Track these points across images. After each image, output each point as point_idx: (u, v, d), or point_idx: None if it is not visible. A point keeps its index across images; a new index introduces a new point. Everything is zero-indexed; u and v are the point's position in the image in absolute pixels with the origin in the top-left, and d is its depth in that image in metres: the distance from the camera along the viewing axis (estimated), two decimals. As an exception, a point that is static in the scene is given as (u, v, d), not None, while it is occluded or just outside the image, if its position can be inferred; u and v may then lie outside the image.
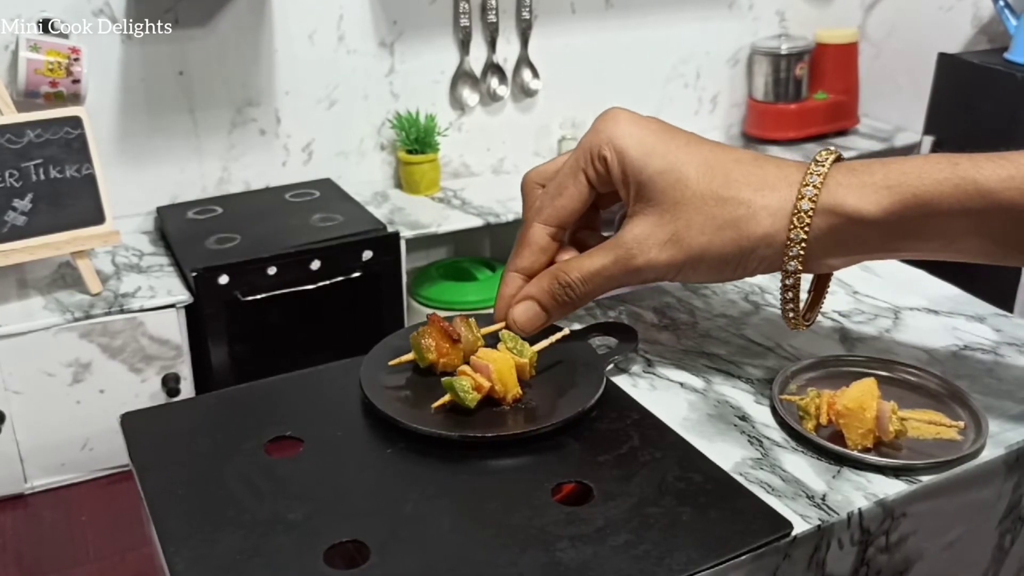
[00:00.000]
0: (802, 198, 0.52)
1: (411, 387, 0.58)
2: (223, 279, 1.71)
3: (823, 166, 0.53)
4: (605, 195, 0.60)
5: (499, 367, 0.55)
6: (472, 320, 0.60)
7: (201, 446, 0.54)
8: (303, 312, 1.88)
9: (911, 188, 0.51)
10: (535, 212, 0.60)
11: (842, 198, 0.52)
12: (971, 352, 0.63)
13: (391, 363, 0.58)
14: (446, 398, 0.54)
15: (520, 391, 0.56)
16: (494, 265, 2.21)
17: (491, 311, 0.62)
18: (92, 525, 1.64)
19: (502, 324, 0.61)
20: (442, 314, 0.60)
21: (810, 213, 0.52)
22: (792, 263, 0.53)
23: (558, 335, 0.60)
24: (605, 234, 0.62)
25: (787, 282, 0.55)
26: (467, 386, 0.54)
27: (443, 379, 0.55)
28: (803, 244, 0.53)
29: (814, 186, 0.52)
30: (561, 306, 0.59)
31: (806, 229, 0.52)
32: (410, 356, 0.59)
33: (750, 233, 0.53)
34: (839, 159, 0.54)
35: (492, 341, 0.59)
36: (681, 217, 0.54)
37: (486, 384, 0.54)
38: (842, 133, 2.43)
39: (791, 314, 0.57)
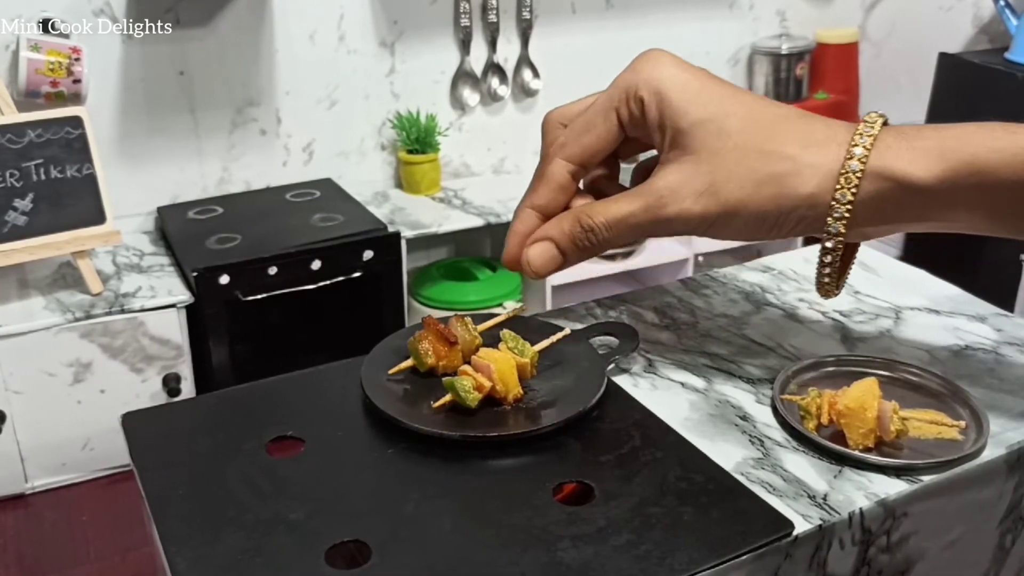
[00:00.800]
0: (851, 158, 0.50)
1: (412, 387, 0.57)
2: (224, 279, 1.71)
3: (873, 127, 0.51)
4: (629, 142, 0.57)
5: (500, 367, 0.55)
6: (468, 319, 0.59)
7: (202, 446, 0.54)
8: (304, 312, 1.88)
9: (966, 156, 0.49)
10: (558, 147, 0.57)
11: (891, 161, 0.50)
12: (972, 352, 0.63)
13: (391, 372, 0.58)
14: (447, 398, 0.54)
15: (521, 391, 0.56)
16: (495, 265, 2.21)
17: (492, 310, 0.62)
18: (93, 525, 1.64)
19: (503, 318, 0.61)
20: (443, 314, 0.59)
21: (859, 174, 0.50)
22: (836, 225, 0.51)
23: (559, 335, 0.60)
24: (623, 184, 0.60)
25: (827, 245, 0.52)
26: (468, 386, 0.54)
27: (444, 379, 0.55)
28: (849, 206, 0.50)
29: (864, 147, 0.50)
30: (580, 251, 0.56)
31: (853, 191, 0.50)
32: (409, 363, 0.58)
33: (792, 191, 0.51)
34: (886, 123, 0.52)
35: (491, 338, 0.59)
36: (720, 168, 0.52)
37: (487, 384, 0.54)
38: (843, 133, 2.43)
39: (827, 279, 0.54)
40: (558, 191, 0.57)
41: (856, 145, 0.50)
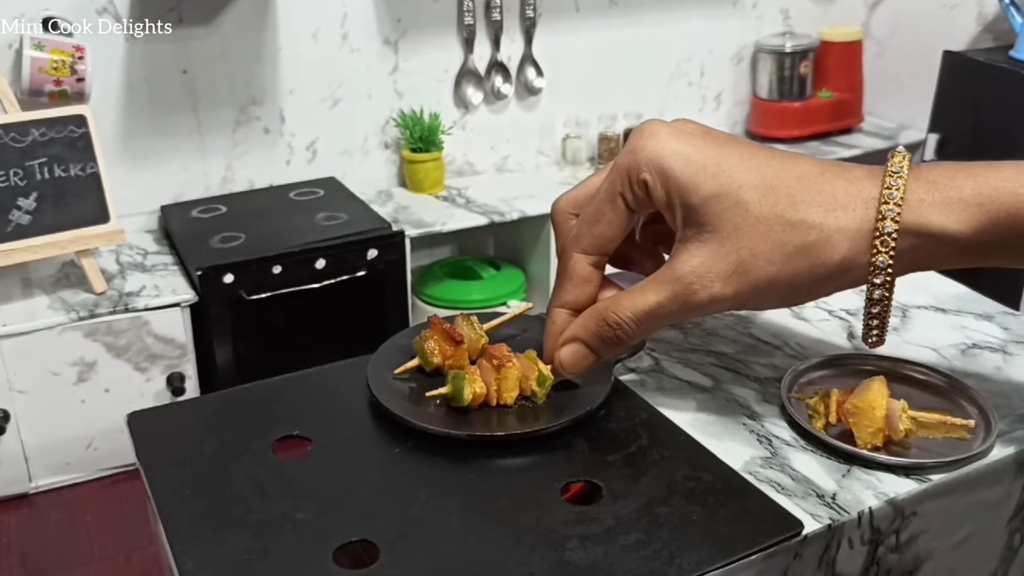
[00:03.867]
0: (883, 219, 0.48)
1: (418, 386, 0.57)
2: (228, 278, 1.71)
3: (901, 178, 0.48)
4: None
5: (523, 365, 0.56)
6: (474, 318, 0.60)
7: (208, 445, 0.54)
8: (308, 311, 1.88)
9: (1004, 205, 0.47)
10: (573, 241, 0.55)
11: (927, 217, 0.48)
12: (979, 350, 0.63)
13: (397, 372, 0.58)
14: (444, 389, 0.55)
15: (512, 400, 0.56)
16: (498, 264, 2.21)
17: (496, 309, 0.62)
18: (97, 524, 1.64)
19: (509, 317, 0.61)
20: (447, 313, 0.60)
21: (894, 236, 0.48)
22: (879, 291, 0.50)
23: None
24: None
25: (873, 311, 0.51)
26: (470, 388, 0.54)
27: (451, 372, 0.55)
28: (890, 270, 0.49)
29: (895, 204, 0.48)
30: (611, 346, 0.54)
31: (891, 253, 0.48)
32: (415, 362, 0.58)
33: (825, 260, 0.49)
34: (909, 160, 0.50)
35: (496, 338, 0.59)
36: (744, 245, 0.49)
37: (483, 393, 0.55)
38: (846, 131, 2.43)
39: (874, 336, 0.53)
40: (583, 284, 0.55)
41: (886, 203, 0.48)
